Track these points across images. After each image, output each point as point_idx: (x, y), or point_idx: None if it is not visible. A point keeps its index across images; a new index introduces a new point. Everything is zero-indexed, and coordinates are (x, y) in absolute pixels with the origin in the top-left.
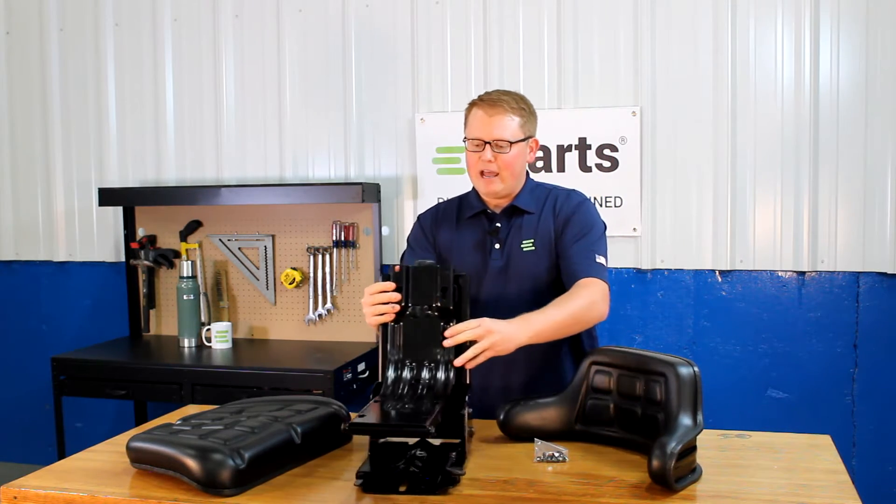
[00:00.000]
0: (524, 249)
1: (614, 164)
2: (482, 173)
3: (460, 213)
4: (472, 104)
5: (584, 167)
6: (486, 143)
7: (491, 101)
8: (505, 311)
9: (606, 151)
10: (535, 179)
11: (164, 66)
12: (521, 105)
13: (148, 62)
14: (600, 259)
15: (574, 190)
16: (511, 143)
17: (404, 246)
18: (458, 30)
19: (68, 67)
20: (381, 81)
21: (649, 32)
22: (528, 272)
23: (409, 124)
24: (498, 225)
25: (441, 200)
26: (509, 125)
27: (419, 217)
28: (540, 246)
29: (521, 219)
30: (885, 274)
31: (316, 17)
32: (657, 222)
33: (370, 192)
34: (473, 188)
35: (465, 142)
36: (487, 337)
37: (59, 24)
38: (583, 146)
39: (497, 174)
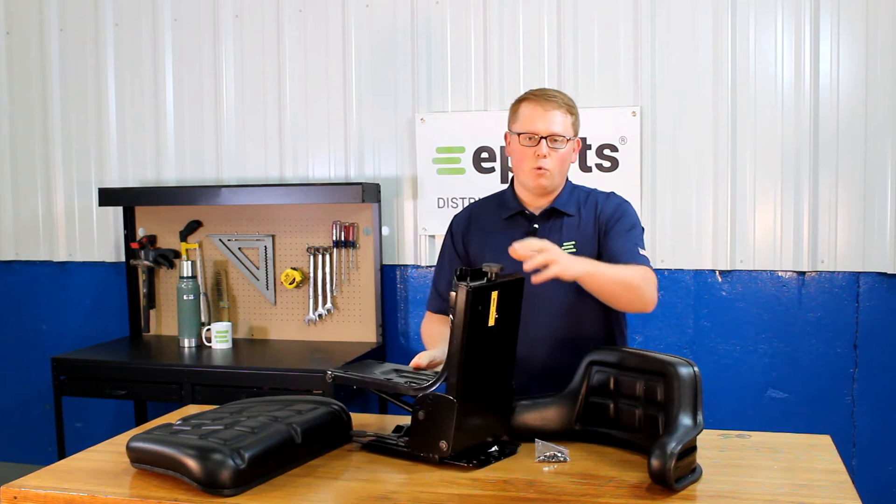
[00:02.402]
0: (565, 251)
1: (614, 164)
2: (534, 168)
3: (498, 213)
4: (523, 99)
5: (585, 167)
6: (541, 137)
7: (546, 96)
8: (545, 313)
9: (606, 151)
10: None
11: (164, 66)
12: (570, 103)
13: (148, 62)
14: (644, 253)
15: (612, 192)
16: (567, 139)
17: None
18: (458, 30)
19: (68, 67)
20: (381, 81)
21: (649, 32)
22: None
23: (409, 124)
24: (536, 226)
25: (472, 200)
26: (563, 121)
27: (452, 221)
28: (581, 247)
29: (560, 220)
30: (885, 274)
31: (316, 17)
32: (657, 222)
33: (370, 192)
34: (510, 187)
35: (519, 137)
36: (552, 252)
37: (59, 24)
38: (583, 146)
39: (549, 169)
